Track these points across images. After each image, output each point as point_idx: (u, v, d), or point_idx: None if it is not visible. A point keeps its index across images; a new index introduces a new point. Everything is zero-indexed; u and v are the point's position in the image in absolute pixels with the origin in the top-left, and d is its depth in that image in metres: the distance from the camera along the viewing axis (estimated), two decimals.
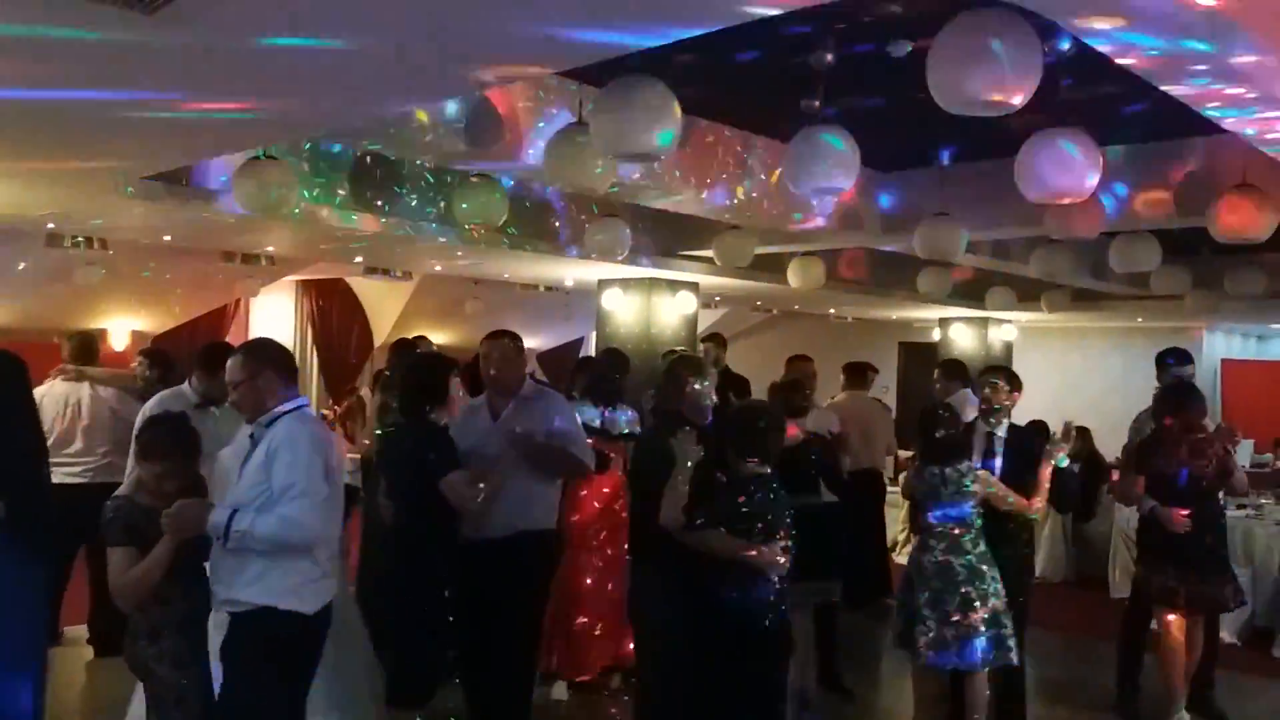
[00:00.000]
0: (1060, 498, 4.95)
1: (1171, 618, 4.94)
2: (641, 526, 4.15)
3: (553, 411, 4.40)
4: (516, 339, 4.48)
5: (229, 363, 3.40)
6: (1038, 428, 4.96)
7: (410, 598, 4.11)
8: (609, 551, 5.45)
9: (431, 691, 4.23)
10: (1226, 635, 6.74)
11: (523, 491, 4.24)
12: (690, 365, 4.40)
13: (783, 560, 3.77)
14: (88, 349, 6.10)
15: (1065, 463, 4.75)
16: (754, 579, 3.77)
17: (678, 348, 8.33)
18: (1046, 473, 4.63)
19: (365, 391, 6.80)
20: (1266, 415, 12.66)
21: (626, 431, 5.52)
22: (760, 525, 3.76)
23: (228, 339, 10.34)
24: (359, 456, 5.68)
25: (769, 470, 3.90)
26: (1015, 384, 4.90)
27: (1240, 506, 7.38)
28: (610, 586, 5.41)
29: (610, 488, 5.44)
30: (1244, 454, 10.41)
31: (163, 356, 6.05)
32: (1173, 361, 5.77)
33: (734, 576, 3.77)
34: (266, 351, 3.43)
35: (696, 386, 4.21)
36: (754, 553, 3.73)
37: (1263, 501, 7.54)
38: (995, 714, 4.72)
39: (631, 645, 4.84)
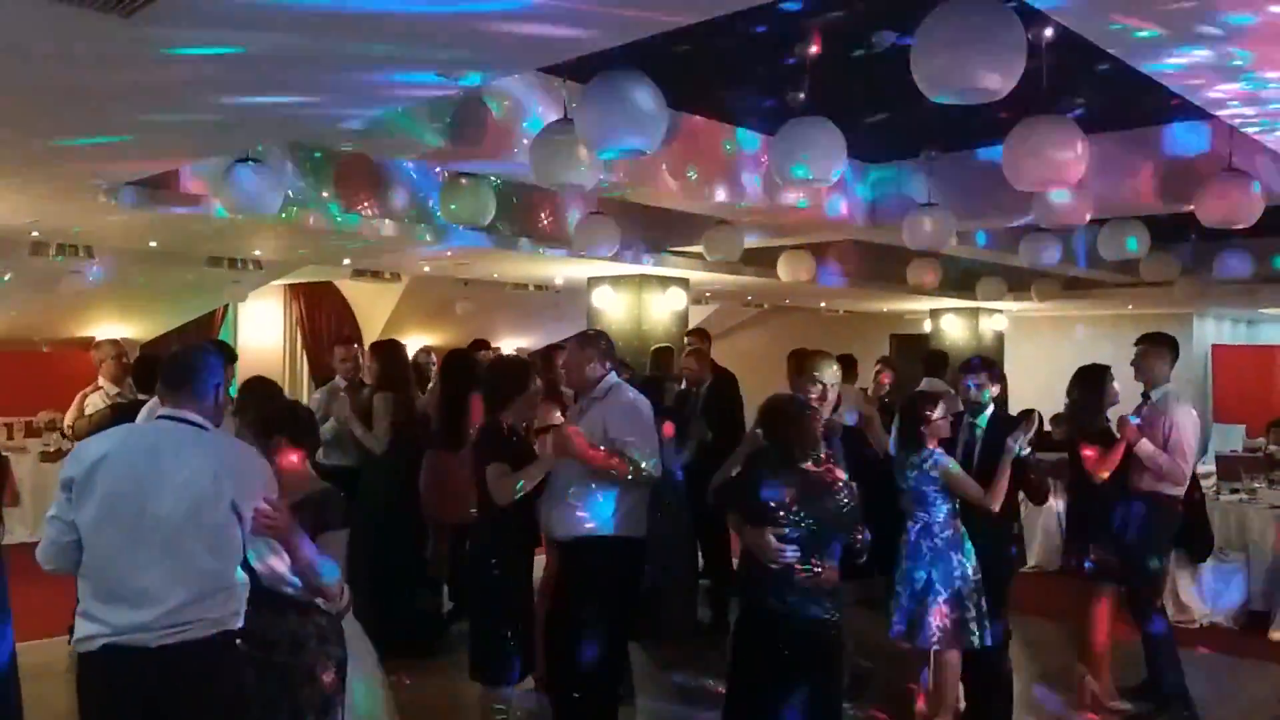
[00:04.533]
0: (1027, 489, 4.95)
1: None
2: None
3: (611, 416, 4.22)
4: (579, 340, 4.46)
5: None
6: (1018, 419, 4.94)
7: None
8: None
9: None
10: (1222, 619, 6.77)
11: (582, 495, 4.19)
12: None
13: (777, 549, 3.57)
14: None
15: (1026, 451, 4.73)
16: (772, 575, 3.63)
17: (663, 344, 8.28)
18: (1004, 467, 4.62)
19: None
20: (1257, 400, 12.69)
21: None
22: (787, 520, 3.62)
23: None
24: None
25: (806, 466, 3.70)
26: (994, 377, 4.98)
27: (1234, 491, 7.40)
28: None
29: None
30: (1235, 439, 10.42)
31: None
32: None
33: (755, 566, 3.70)
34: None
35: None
36: (761, 538, 3.61)
37: (1256, 486, 7.55)
38: (975, 698, 4.76)
39: None
